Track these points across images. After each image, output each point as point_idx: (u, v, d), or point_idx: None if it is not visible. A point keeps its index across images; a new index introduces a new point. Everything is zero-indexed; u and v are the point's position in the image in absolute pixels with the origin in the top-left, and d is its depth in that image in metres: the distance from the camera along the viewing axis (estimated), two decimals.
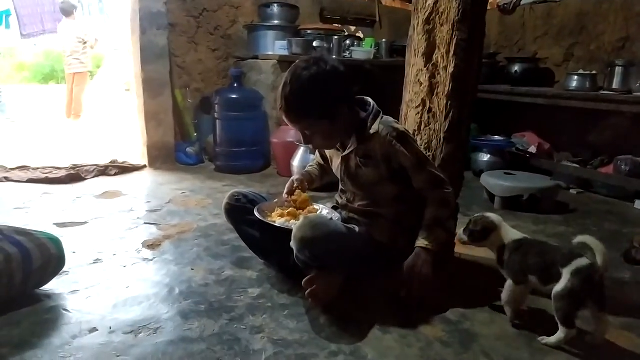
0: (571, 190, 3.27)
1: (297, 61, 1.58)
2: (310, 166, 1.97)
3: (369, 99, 1.68)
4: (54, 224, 2.32)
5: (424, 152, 1.68)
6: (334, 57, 3.57)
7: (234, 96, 3.54)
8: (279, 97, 1.55)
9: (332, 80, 1.54)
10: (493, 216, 1.58)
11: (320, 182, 1.95)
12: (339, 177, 1.77)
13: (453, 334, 1.46)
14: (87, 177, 3.25)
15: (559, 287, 1.34)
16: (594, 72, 3.28)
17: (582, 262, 1.34)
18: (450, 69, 1.75)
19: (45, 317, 1.48)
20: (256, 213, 1.69)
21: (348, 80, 1.59)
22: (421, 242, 1.59)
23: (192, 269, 1.86)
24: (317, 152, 1.96)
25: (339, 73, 1.55)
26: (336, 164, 1.74)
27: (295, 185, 1.80)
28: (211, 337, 1.40)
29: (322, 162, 1.94)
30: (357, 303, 1.62)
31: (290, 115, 1.56)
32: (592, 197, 3.18)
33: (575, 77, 3.28)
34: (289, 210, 1.72)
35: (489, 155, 3.54)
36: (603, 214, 2.80)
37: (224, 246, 2.11)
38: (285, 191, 1.81)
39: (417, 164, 1.58)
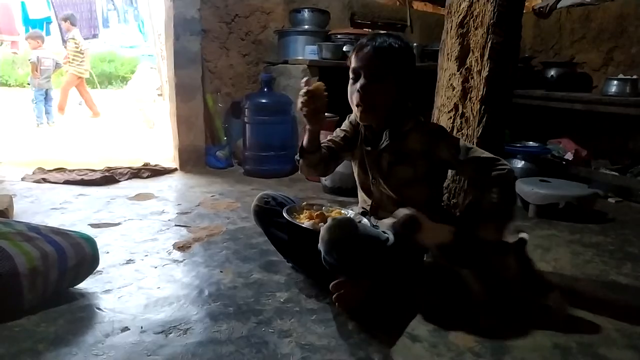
0: (609, 199, 3.15)
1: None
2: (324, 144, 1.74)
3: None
4: (89, 224, 2.38)
5: (465, 141, 1.65)
6: None
7: (263, 100, 3.57)
8: (375, 35, 1.57)
9: (414, 59, 1.63)
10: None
11: (313, 162, 1.68)
12: (367, 177, 1.72)
13: (485, 344, 1.42)
14: (120, 180, 3.32)
15: None
16: (634, 76, 3.17)
17: None
18: (485, 73, 1.72)
19: (80, 315, 1.51)
20: (285, 214, 1.68)
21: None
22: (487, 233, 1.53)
23: (221, 272, 1.88)
24: (332, 136, 1.79)
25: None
26: (363, 160, 1.70)
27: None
28: (239, 340, 1.40)
29: (332, 146, 1.75)
30: (387, 310, 1.60)
31: (379, 50, 1.53)
32: (631, 206, 3.06)
33: (615, 82, 3.16)
34: (317, 213, 1.72)
35: (523, 162, 3.44)
36: None
37: (253, 249, 2.11)
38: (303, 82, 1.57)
39: (460, 154, 1.55)
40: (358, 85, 1.54)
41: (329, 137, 1.78)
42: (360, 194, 1.82)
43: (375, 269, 1.57)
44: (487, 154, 1.57)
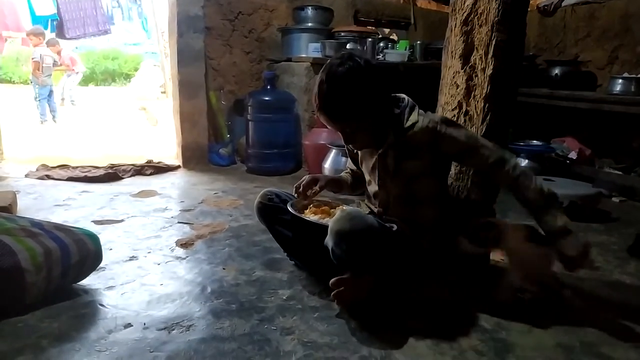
0: (613, 198, 3.14)
1: (329, 60, 1.55)
2: (346, 172, 1.95)
3: (403, 95, 1.64)
4: (92, 221, 2.39)
5: (472, 132, 1.64)
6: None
7: (266, 98, 3.57)
8: (315, 96, 1.51)
9: (368, 75, 1.49)
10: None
11: (350, 190, 1.93)
12: (373, 180, 1.72)
13: (488, 343, 1.42)
14: (124, 177, 3.33)
15: None
16: (639, 75, 3.15)
17: None
18: (489, 71, 1.71)
19: (83, 312, 1.52)
20: (290, 208, 1.68)
21: (383, 74, 1.55)
22: (560, 220, 1.49)
23: (224, 269, 1.88)
24: (348, 160, 1.93)
25: (373, 67, 1.52)
26: (369, 164, 1.71)
27: (302, 186, 1.75)
28: (242, 337, 1.40)
29: (353, 168, 1.90)
30: (390, 308, 1.60)
31: (329, 115, 1.51)
32: (635, 206, 3.04)
33: (620, 81, 3.15)
34: (322, 208, 1.72)
35: (526, 161, 3.43)
36: None
37: (255, 247, 2.12)
38: (294, 188, 1.76)
39: (469, 147, 1.53)
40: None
41: (347, 165, 1.95)
42: (367, 200, 1.82)
43: (382, 262, 1.55)
44: (494, 147, 1.55)
